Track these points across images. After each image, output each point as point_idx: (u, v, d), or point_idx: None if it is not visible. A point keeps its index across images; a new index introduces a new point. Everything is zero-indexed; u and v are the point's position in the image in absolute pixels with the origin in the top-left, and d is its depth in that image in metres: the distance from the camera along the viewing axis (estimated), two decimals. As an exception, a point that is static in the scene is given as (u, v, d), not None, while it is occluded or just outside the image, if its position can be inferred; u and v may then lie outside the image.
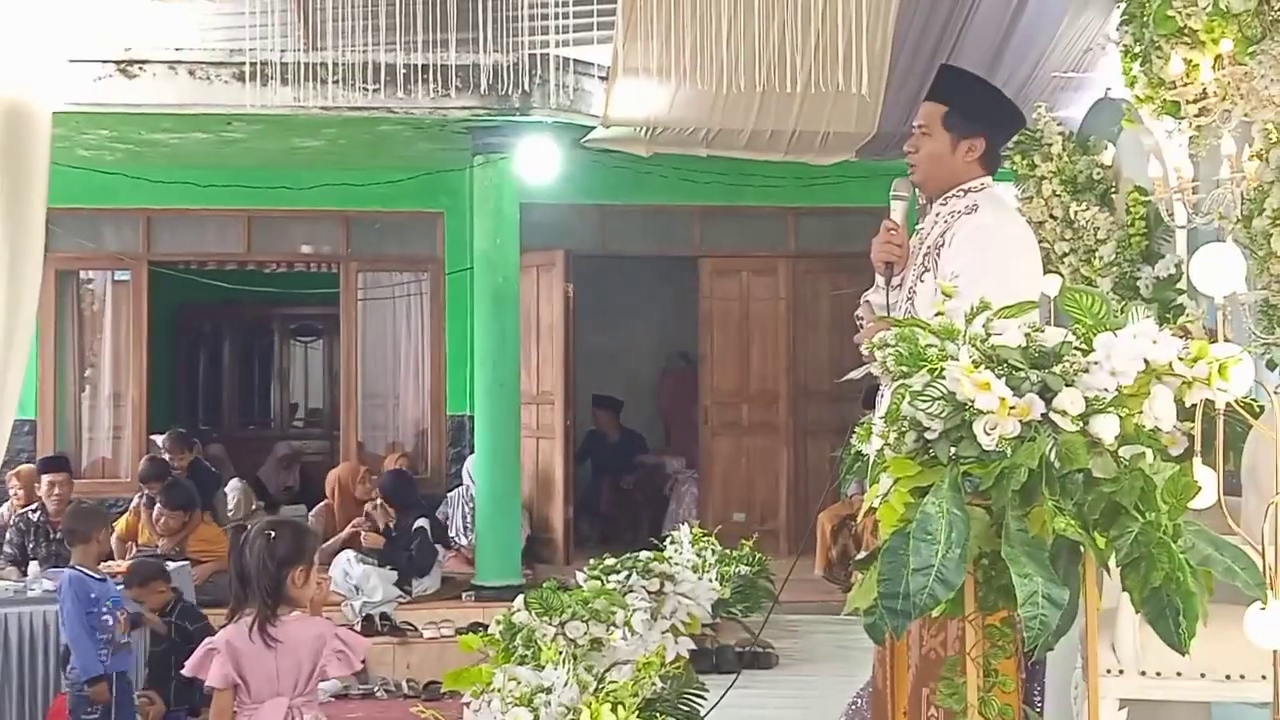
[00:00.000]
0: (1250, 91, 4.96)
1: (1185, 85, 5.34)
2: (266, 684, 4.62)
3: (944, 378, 2.52)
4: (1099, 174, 6.86)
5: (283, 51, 8.23)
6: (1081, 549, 2.46)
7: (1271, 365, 4.19)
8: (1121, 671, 3.31)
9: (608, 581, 5.96)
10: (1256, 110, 4.75)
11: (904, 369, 2.62)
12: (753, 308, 11.03)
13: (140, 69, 8.44)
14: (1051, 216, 7.03)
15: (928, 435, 2.55)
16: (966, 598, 2.57)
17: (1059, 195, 6.96)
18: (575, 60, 8.86)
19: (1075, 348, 2.55)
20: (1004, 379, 2.50)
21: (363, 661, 4.79)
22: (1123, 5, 6.07)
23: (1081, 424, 2.48)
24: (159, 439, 10.81)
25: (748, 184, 10.64)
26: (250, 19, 8.07)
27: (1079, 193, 6.90)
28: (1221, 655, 3.28)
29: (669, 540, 7.47)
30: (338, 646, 4.65)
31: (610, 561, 6.20)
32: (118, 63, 8.41)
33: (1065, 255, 6.88)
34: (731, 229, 11.31)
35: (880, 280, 4.06)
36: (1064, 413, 2.47)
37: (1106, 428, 2.46)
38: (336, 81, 8.22)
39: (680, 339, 11.47)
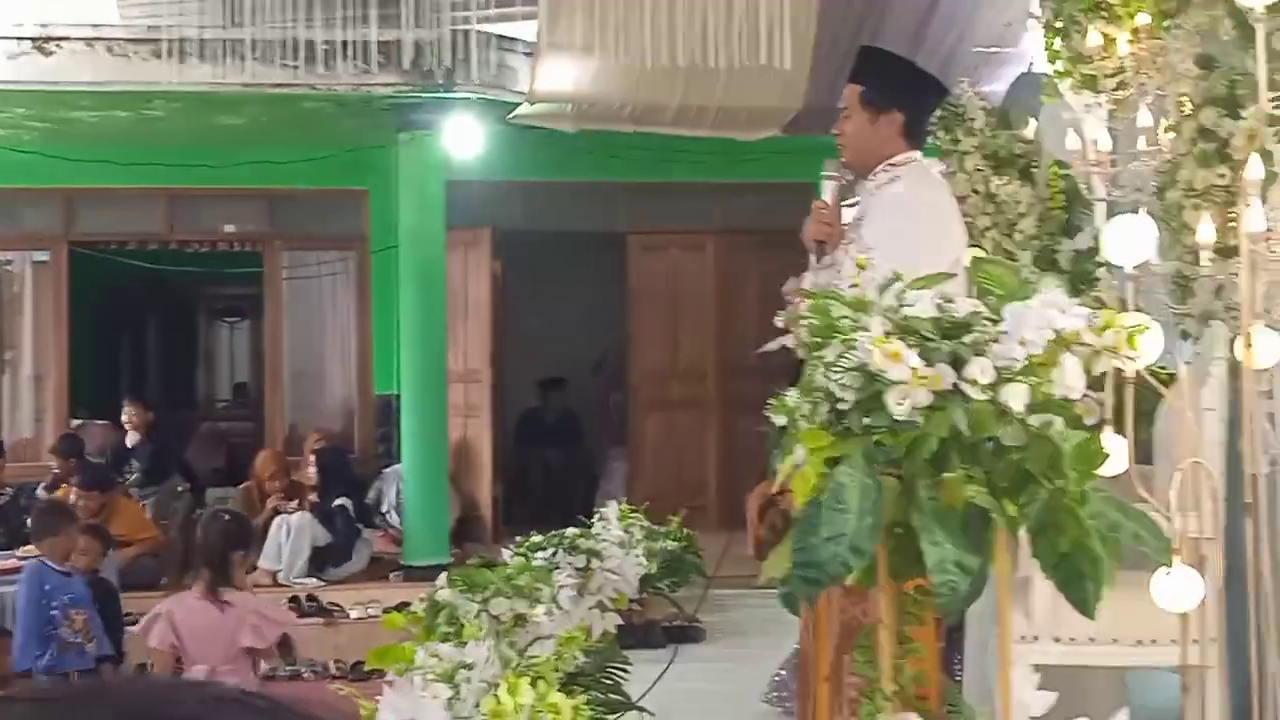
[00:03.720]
0: (1166, 65, 5.02)
1: (1103, 60, 5.40)
2: (199, 648, 5.34)
3: (856, 349, 2.53)
4: (1020, 148, 6.89)
5: (202, 28, 8.14)
6: (992, 516, 2.48)
7: (1185, 335, 4.24)
8: (1036, 638, 3.36)
9: (534, 558, 5.96)
10: (1171, 84, 4.81)
11: (818, 341, 2.63)
12: (681, 284, 11.05)
13: (57, 46, 8.32)
14: (974, 191, 7.05)
15: (840, 406, 2.56)
16: (879, 566, 2.59)
17: (981, 170, 7.00)
18: (500, 36, 8.82)
19: (986, 318, 2.57)
20: (916, 349, 2.52)
21: (285, 637, 5.22)
22: (1043, -20, 6.12)
23: (991, 393, 2.50)
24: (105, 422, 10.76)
25: (675, 160, 10.63)
26: (169, -5, 7.97)
27: (1000, 167, 6.92)
28: (1133, 621, 3.32)
29: (597, 517, 7.47)
30: (253, 621, 5.40)
31: (537, 539, 6.19)
32: (34, 39, 8.28)
33: (987, 230, 6.91)
34: (659, 205, 11.32)
35: (813, 260, 4.12)
36: (974, 382, 2.49)
37: (1016, 396, 2.48)
38: (257, 58, 8.13)
39: (609, 315, 11.47)
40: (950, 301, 2.63)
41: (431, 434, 9.12)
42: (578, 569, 6.02)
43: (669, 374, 10.86)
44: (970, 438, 2.48)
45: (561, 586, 5.72)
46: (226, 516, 5.96)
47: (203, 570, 5.55)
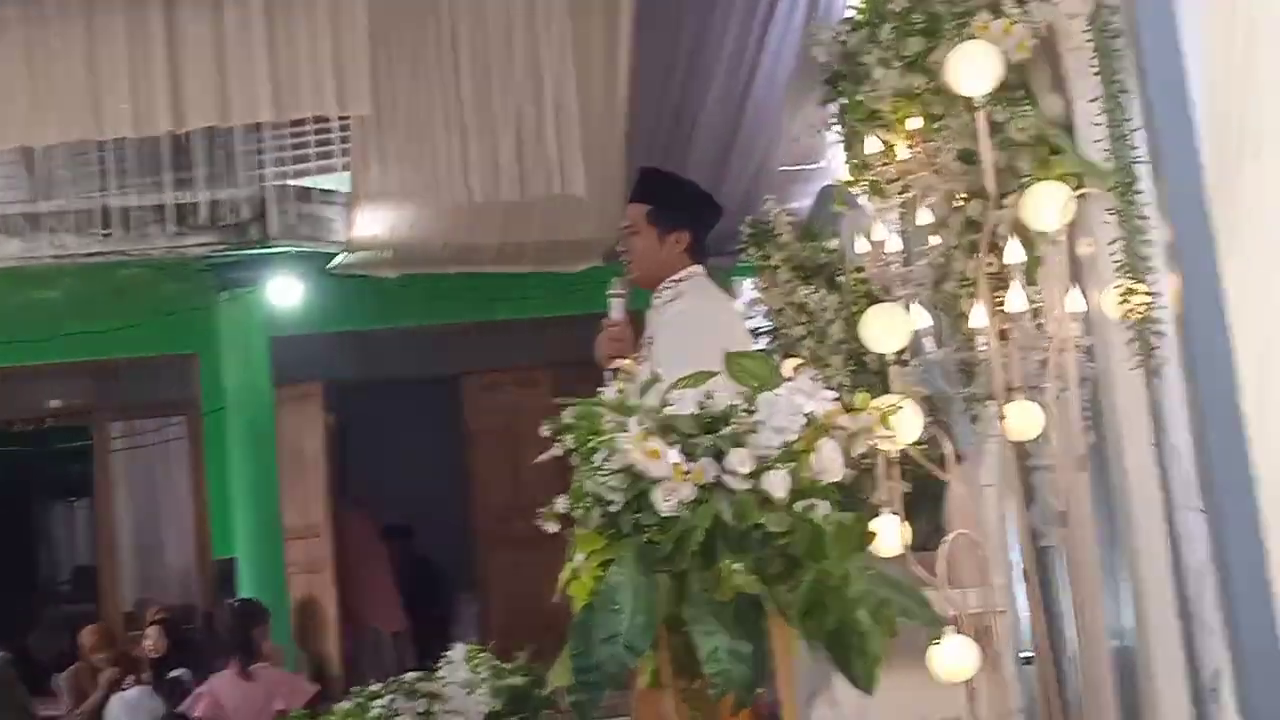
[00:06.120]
0: (943, 166, 5.24)
1: (884, 165, 5.62)
2: (239, 717, 6.78)
3: (619, 450, 2.59)
4: (825, 258, 7.10)
5: (8, 203, 8.06)
6: (762, 602, 2.53)
7: (974, 419, 4.37)
8: (845, 727, 3.39)
9: (372, 707, 5.88)
10: (944, 182, 5.01)
11: (584, 446, 2.68)
12: (518, 421, 11.01)
13: None
14: (788, 303, 7.25)
15: (611, 509, 2.60)
16: (662, 664, 2.61)
17: (791, 282, 7.18)
18: (314, 189, 8.86)
19: (743, 410, 2.64)
20: (678, 446, 2.58)
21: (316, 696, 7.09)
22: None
23: (753, 482, 2.56)
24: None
25: (504, 298, 10.70)
26: (-28, 173, 7.90)
27: (809, 278, 7.12)
28: (943, 702, 3.38)
29: (443, 660, 7.39)
30: (285, 691, 6.88)
31: (375, 687, 6.12)
32: None
33: (802, 339, 7.09)
34: (491, 344, 11.34)
35: (608, 378, 4.20)
36: (735, 472, 2.55)
37: (776, 484, 2.55)
38: (66, 229, 8.06)
39: (449, 458, 11.43)
40: (710, 398, 2.70)
41: (269, 594, 8.96)
42: (419, 714, 5.96)
43: (513, 512, 10.77)
44: (736, 527, 2.54)
45: (402, 732, 5.65)
46: (236, 603, 7.67)
47: (232, 653, 7.00)
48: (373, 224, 8.41)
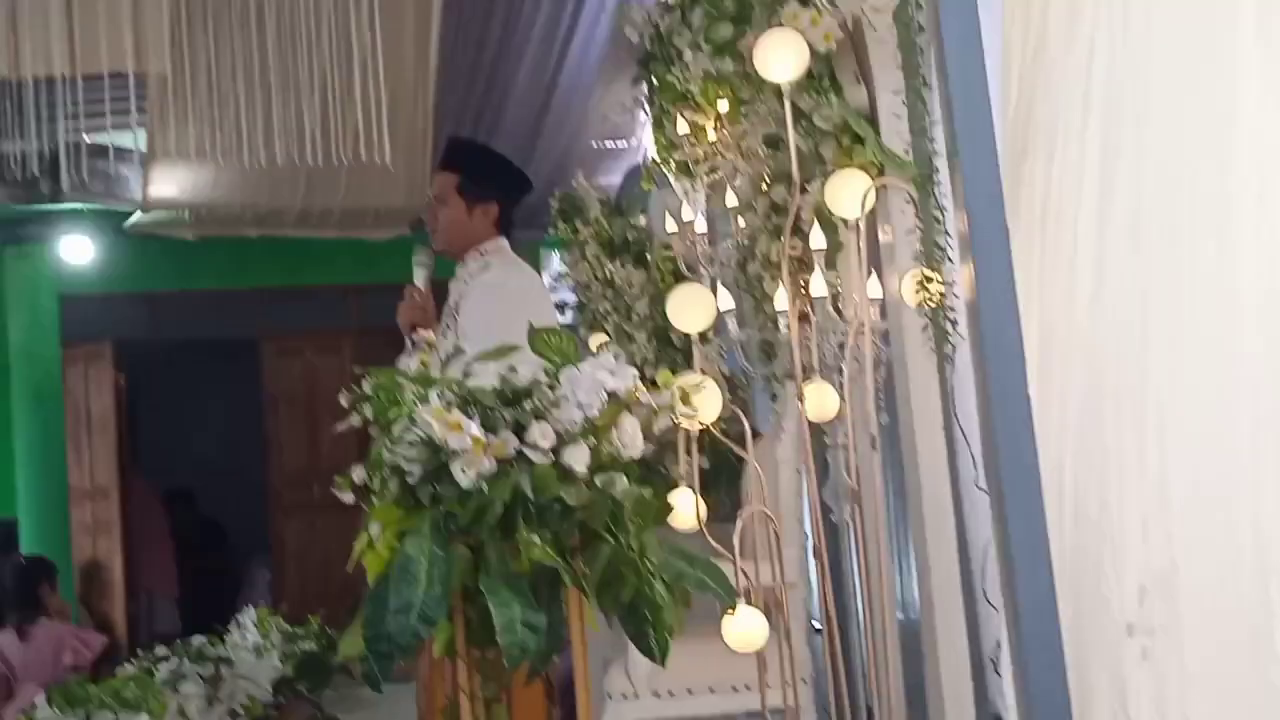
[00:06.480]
0: (749, 150, 5.32)
1: (693, 146, 5.68)
2: (24, 670, 6.78)
3: (419, 422, 2.58)
4: (633, 235, 7.16)
5: None
6: (560, 575, 2.55)
7: (773, 397, 4.47)
8: (637, 695, 3.44)
9: (159, 670, 5.80)
10: (750, 166, 5.09)
11: (385, 417, 2.67)
12: (318, 386, 10.86)
13: None
14: (595, 278, 7.29)
15: (409, 480, 2.59)
16: (457, 634, 2.62)
17: (599, 257, 7.23)
18: (109, 146, 8.57)
19: (546, 384, 2.65)
20: (478, 419, 2.58)
21: (108, 645, 7.51)
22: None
23: (554, 456, 2.58)
24: None
25: (307, 263, 10.51)
26: None
27: (616, 253, 7.17)
28: (730, 668, 3.46)
29: (233, 624, 7.29)
30: (74, 643, 7.06)
31: (161, 650, 6.04)
32: None
33: (608, 314, 7.14)
34: (292, 309, 11.14)
35: (409, 344, 4.20)
36: (535, 446, 2.56)
37: (577, 457, 2.57)
38: None
39: (247, 422, 11.21)
40: (514, 371, 2.71)
41: (54, 555, 8.70)
42: (205, 678, 5.89)
43: (310, 477, 10.63)
44: (536, 500, 2.55)
45: (189, 696, 5.59)
46: (22, 560, 7.66)
47: (16, 611, 7.07)
48: (170, 184, 8.19)
